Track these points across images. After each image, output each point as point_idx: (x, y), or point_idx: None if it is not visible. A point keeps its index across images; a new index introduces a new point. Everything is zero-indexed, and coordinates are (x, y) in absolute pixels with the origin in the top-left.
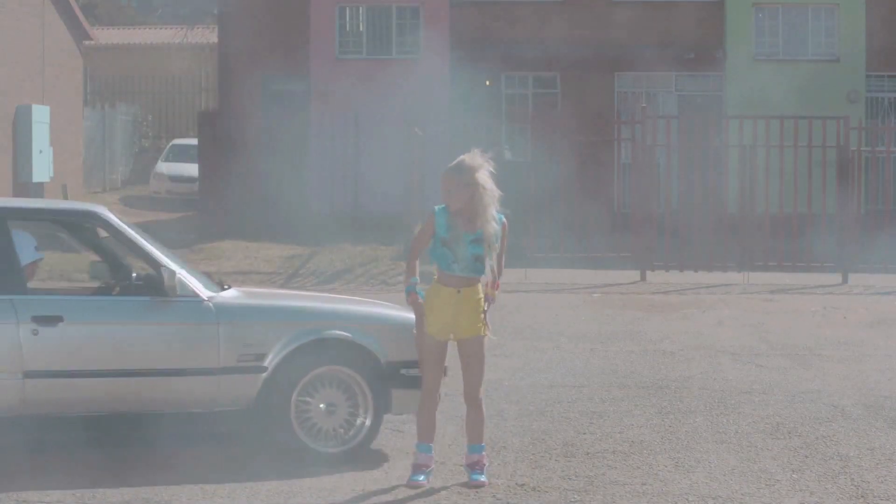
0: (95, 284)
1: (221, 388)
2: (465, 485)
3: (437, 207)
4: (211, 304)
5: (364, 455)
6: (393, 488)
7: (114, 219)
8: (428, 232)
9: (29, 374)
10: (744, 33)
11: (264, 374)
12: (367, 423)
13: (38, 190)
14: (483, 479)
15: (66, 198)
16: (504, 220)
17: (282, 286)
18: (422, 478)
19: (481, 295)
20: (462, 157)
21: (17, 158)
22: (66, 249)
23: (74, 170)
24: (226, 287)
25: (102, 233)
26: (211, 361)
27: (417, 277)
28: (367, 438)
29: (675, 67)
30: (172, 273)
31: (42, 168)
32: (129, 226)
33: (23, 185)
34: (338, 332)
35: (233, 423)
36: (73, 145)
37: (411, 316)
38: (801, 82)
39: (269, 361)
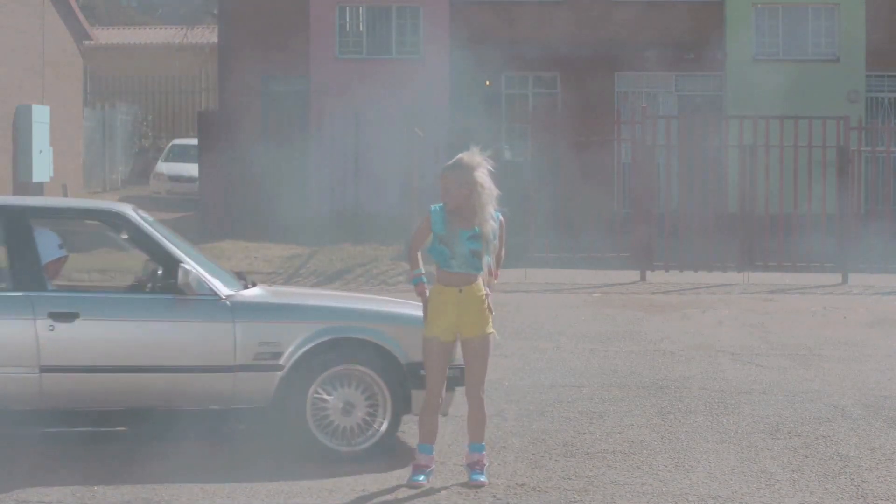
0: (117, 282)
1: (238, 386)
2: (465, 485)
3: (434, 207)
4: (228, 303)
5: (381, 454)
6: (393, 488)
7: (136, 218)
8: (425, 230)
9: (45, 369)
10: (744, 33)
11: (280, 373)
12: (385, 423)
13: (38, 190)
14: (483, 479)
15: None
16: (501, 218)
17: (282, 286)
18: (422, 478)
19: (483, 292)
20: (460, 155)
21: (17, 158)
22: (88, 247)
23: (74, 170)
24: (251, 285)
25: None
26: (227, 359)
27: (422, 268)
28: (385, 437)
29: (675, 67)
30: (187, 272)
31: (42, 168)
32: (151, 224)
33: (23, 185)
34: (356, 332)
35: (250, 420)
36: (73, 145)
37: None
38: (801, 82)
39: (286, 360)
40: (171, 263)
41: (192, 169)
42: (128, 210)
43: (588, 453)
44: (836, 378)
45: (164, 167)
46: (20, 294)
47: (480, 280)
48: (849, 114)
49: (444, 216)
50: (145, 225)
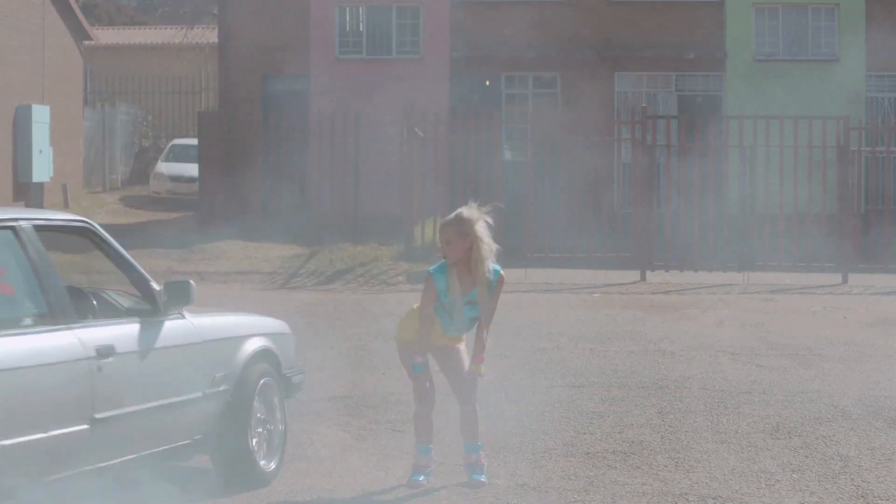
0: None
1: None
2: (465, 485)
3: (432, 269)
4: (192, 324)
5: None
6: (393, 488)
7: (102, 232)
8: (432, 297)
9: None
10: (744, 33)
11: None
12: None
13: (38, 190)
14: (483, 478)
15: (66, 197)
16: (501, 272)
17: (282, 286)
18: (422, 478)
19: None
20: (460, 209)
21: (17, 158)
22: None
23: (74, 170)
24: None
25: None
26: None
27: (426, 358)
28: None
29: (675, 67)
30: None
31: (42, 168)
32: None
33: (23, 185)
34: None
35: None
36: (73, 145)
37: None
38: (801, 82)
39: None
40: (143, 281)
41: (192, 169)
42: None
43: (588, 453)
44: (836, 378)
45: (164, 167)
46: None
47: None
48: (849, 114)
49: (446, 280)
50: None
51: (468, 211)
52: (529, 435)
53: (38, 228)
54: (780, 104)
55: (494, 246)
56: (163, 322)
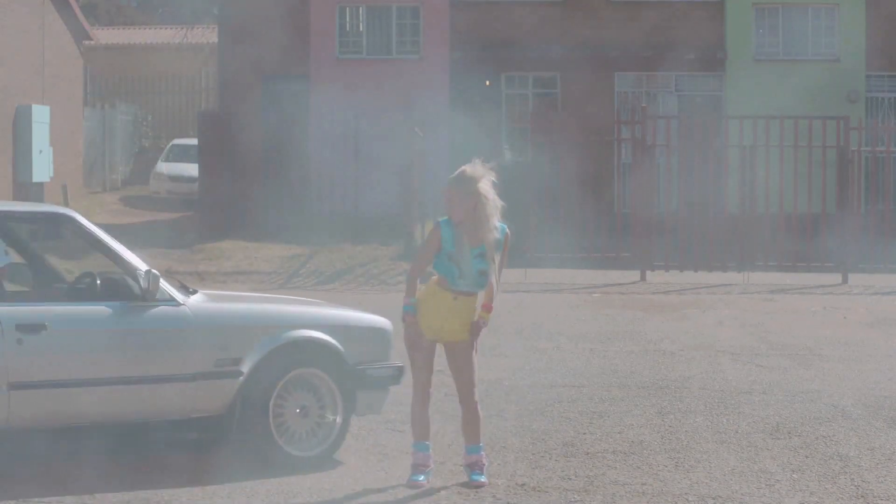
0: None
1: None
2: (465, 485)
3: (441, 220)
4: (188, 309)
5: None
6: (393, 488)
7: (86, 222)
8: (434, 246)
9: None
10: (744, 33)
11: (240, 379)
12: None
13: (38, 190)
14: (483, 479)
15: (65, 197)
16: (507, 230)
17: (281, 286)
18: (422, 478)
19: (477, 305)
20: (464, 167)
21: (17, 158)
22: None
23: (74, 170)
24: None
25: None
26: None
27: (416, 297)
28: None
29: (675, 67)
30: (156, 276)
31: (42, 168)
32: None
33: (23, 185)
34: (309, 333)
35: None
36: (73, 145)
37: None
38: (801, 82)
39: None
40: (130, 268)
41: (192, 169)
42: (75, 214)
43: (588, 453)
44: (836, 378)
45: (164, 167)
46: None
47: (478, 294)
48: (849, 114)
49: (453, 231)
50: (96, 228)
51: (472, 168)
52: (529, 435)
53: (9, 217)
54: (780, 104)
55: (500, 203)
56: (149, 307)
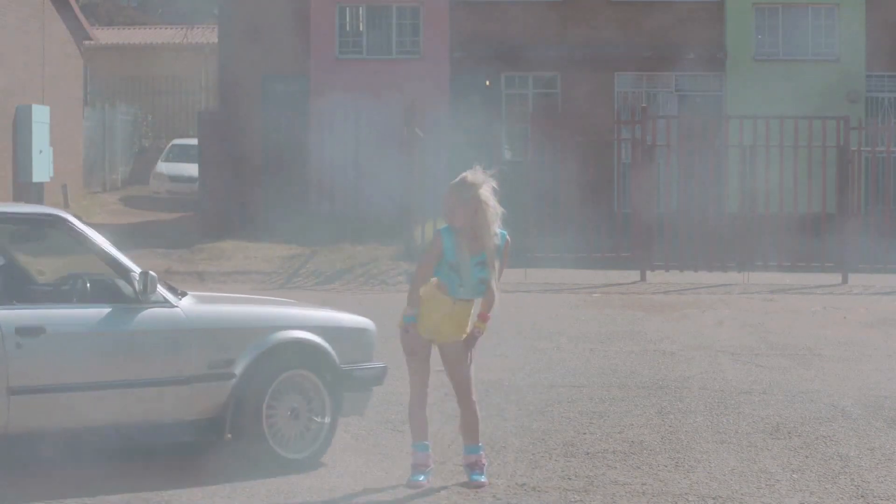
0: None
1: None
2: (465, 485)
3: (441, 228)
4: (181, 311)
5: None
6: (393, 488)
7: (78, 223)
8: (435, 255)
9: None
10: (744, 33)
11: (233, 381)
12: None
13: (38, 190)
14: (483, 479)
15: (65, 197)
16: (507, 237)
17: (281, 286)
18: (422, 478)
19: (473, 311)
20: (464, 174)
21: (17, 158)
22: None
23: (74, 170)
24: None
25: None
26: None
27: (418, 309)
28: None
29: (676, 67)
30: (153, 277)
31: (42, 168)
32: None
33: (23, 186)
34: (300, 335)
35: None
36: (73, 145)
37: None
38: (801, 82)
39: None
40: (123, 270)
41: (192, 169)
42: (68, 215)
43: (588, 453)
44: (836, 378)
45: (164, 167)
46: None
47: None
48: (849, 114)
49: (454, 239)
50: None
51: (473, 175)
52: (529, 435)
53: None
54: (780, 104)
55: (500, 209)
56: (141, 309)
